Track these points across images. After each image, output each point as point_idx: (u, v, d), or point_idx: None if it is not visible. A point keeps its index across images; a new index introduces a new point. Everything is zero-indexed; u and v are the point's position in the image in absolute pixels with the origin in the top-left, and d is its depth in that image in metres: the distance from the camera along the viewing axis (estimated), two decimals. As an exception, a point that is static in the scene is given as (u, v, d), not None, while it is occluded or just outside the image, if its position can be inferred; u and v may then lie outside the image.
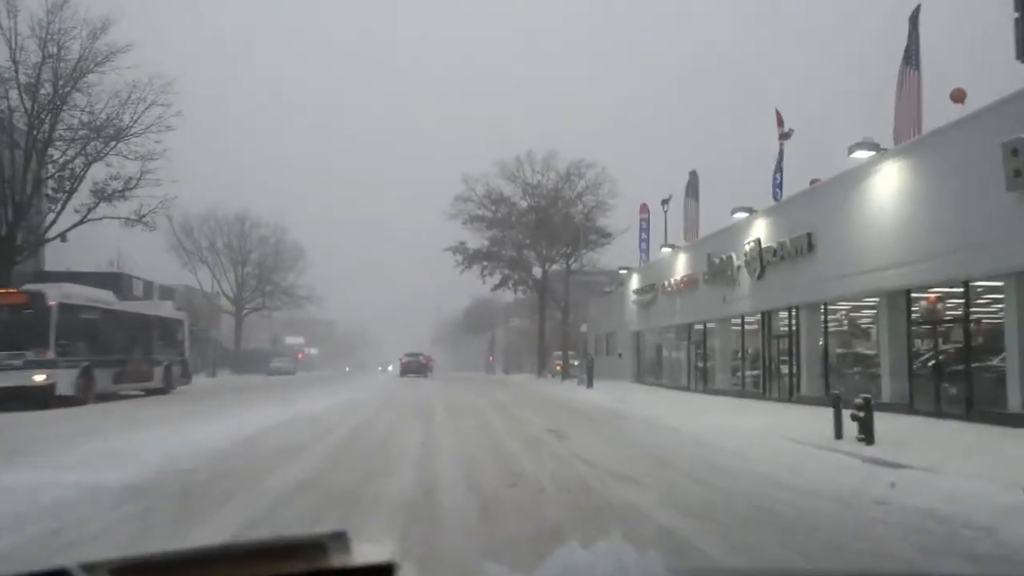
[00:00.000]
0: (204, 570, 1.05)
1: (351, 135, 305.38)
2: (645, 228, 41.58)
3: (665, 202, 39.70)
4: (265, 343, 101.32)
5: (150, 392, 27.29)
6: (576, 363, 57.18)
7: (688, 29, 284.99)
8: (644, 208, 41.78)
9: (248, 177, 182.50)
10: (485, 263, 53.12)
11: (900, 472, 9.82)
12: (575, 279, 52.71)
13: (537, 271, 52.88)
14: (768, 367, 26.03)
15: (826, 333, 22.72)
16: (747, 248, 25.75)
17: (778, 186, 25.38)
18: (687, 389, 33.43)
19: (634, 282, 40.99)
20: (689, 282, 32.02)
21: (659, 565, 1.28)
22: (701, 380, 32.50)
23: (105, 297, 26.27)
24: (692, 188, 34.07)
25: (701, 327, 32.57)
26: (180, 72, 51.12)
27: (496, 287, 54.80)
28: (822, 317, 22.76)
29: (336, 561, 1.06)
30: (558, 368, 55.01)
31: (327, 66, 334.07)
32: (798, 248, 22.52)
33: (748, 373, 28.26)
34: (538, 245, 51.47)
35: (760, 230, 25.23)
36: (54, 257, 41.49)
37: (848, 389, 21.86)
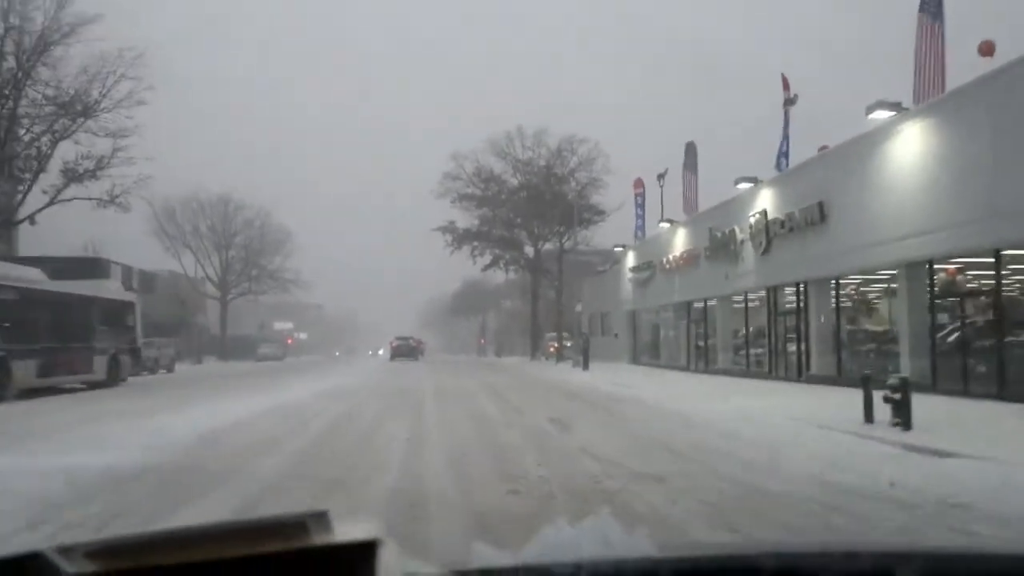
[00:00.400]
0: (183, 551, 1.02)
1: (338, 114, 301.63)
2: (640, 204, 40.23)
3: (661, 176, 38.36)
4: (253, 329, 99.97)
5: (93, 386, 23.92)
6: (570, 344, 56.06)
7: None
8: (639, 183, 40.43)
9: (231, 159, 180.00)
10: (475, 243, 51.71)
11: (954, 463, 8.58)
12: (568, 259, 51.42)
13: (529, 250, 51.50)
14: (774, 345, 24.80)
15: (838, 309, 21.47)
16: (752, 221, 24.45)
17: (784, 155, 24.05)
18: (686, 369, 32.23)
19: (630, 260, 39.69)
20: (689, 258, 30.73)
21: (647, 541, 1.29)
22: (701, 360, 31.29)
23: (30, 275, 23.05)
24: (690, 161, 32.72)
25: (701, 305, 31.32)
26: (156, 47, 49.41)
27: (487, 267, 53.50)
28: (833, 292, 21.49)
29: (318, 540, 1.04)
30: (551, 350, 53.80)
31: (312, 43, 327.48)
32: (808, 219, 21.21)
33: (752, 352, 27.04)
34: (530, 224, 50.10)
35: (766, 201, 23.92)
36: (31, 242, 40.00)
37: (861, 367, 20.67)
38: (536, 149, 49.82)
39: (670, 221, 33.75)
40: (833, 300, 21.53)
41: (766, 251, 23.83)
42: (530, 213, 48.86)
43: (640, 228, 40.06)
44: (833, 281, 21.32)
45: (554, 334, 56.25)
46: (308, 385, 23.79)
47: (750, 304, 27.18)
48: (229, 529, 1.08)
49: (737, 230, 25.90)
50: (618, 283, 42.14)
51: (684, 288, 31.93)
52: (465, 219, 51.47)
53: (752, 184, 25.06)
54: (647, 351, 39.91)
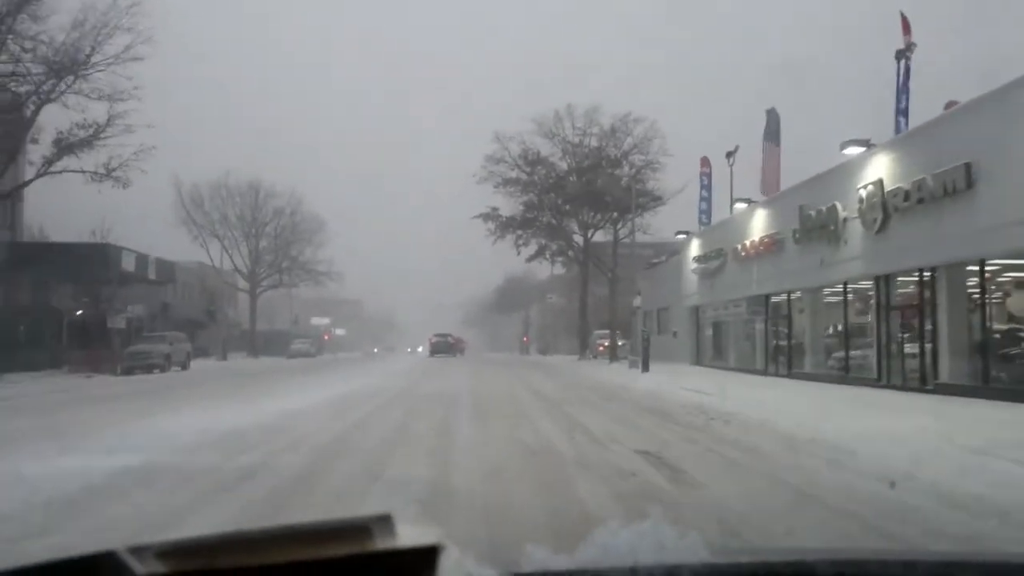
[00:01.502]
0: (251, 553, 1.04)
1: (375, 98, 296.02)
2: (706, 186, 35.84)
3: (731, 154, 33.99)
4: (288, 324, 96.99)
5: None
6: (622, 343, 51.80)
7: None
8: (705, 162, 36.03)
9: (262, 144, 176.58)
10: (520, 232, 47.57)
11: None
12: (619, 252, 47.15)
13: (578, 240, 47.23)
14: (885, 347, 20.34)
15: (984, 301, 16.98)
16: (862, 193, 20.00)
17: (902, 112, 19.60)
18: (764, 373, 27.82)
19: (694, 248, 35.29)
20: (771, 243, 26.29)
21: (700, 545, 1.29)
22: (783, 363, 26.87)
23: None
24: (771, 131, 28.29)
25: (782, 298, 26.89)
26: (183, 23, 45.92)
27: (532, 258, 49.32)
28: (976, 280, 17.01)
29: (381, 544, 1.05)
30: (601, 348, 49.56)
31: (345, 23, 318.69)
32: (947, 187, 16.72)
33: (852, 354, 22.59)
34: (579, 210, 45.79)
35: (882, 168, 19.44)
36: (53, 227, 36.84)
37: (1017, 376, 16.21)
38: (587, 130, 45.55)
39: (747, 200, 29.32)
40: (976, 290, 17.05)
41: (881, 229, 19.36)
42: (580, 199, 44.54)
43: (706, 213, 35.67)
44: (975, 266, 16.84)
45: (604, 332, 52.05)
46: (325, 388, 20.00)
47: (849, 296, 22.76)
48: (295, 532, 1.07)
49: (839, 207, 21.46)
50: (678, 275, 37.74)
51: (763, 279, 27.50)
52: (509, 206, 47.41)
53: (864, 148, 20.57)
54: (712, 351, 35.51)
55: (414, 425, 12.60)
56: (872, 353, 21.18)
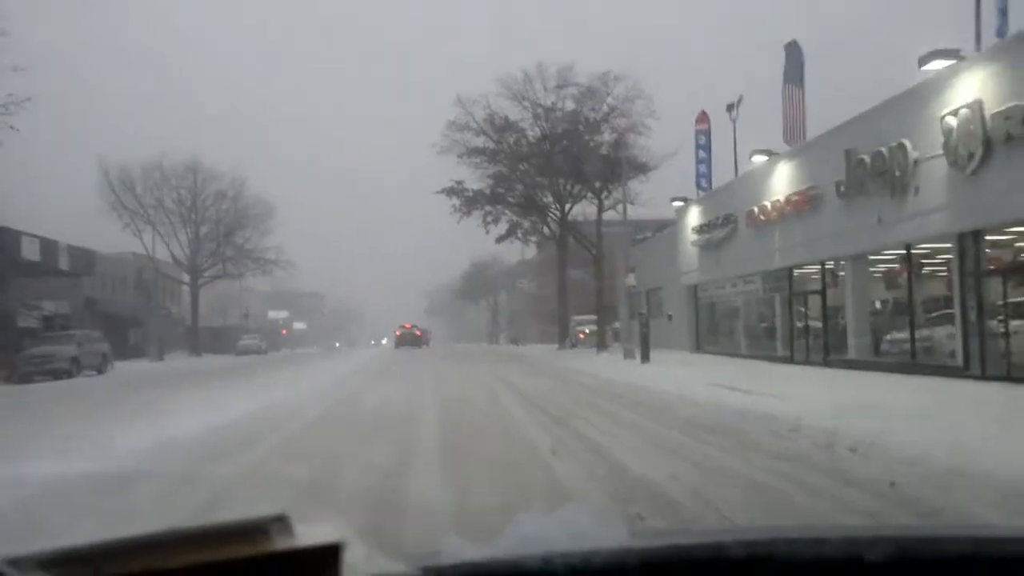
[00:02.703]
0: (139, 558, 0.98)
1: (323, 67, 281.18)
2: (704, 145, 30.96)
3: (733, 107, 29.14)
4: (239, 319, 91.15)
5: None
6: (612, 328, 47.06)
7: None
8: (703, 118, 31.14)
9: (204, 126, 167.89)
10: (488, 208, 42.36)
11: None
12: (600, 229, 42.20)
13: (554, 215, 42.13)
14: (976, 326, 15.56)
15: None
16: (950, 122, 15.11)
17: (1001, 11, 14.73)
18: (788, 360, 23.11)
19: (693, 217, 30.42)
20: (803, 201, 21.41)
21: (621, 528, 1.30)
22: (815, 348, 22.13)
23: None
24: (793, 70, 23.41)
25: (815, 269, 22.13)
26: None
27: (502, 238, 44.05)
28: None
29: (280, 544, 1.01)
30: (582, 336, 44.62)
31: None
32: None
33: (919, 335, 17.82)
34: (555, 183, 40.64)
35: (981, 86, 14.55)
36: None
37: None
38: (561, 91, 40.36)
39: (767, 152, 24.41)
40: None
41: (979, 168, 14.51)
42: (555, 169, 39.38)
43: (705, 176, 30.81)
44: None
45: (584, 318, 47.10)
46: (248, 399, 14.83)
47: (915, 262, 18.00)
48: (186, 535, 1.02)
49: (908, 145, 16.58)
50: (673, 250, 32.89)
51: (789, 247, 22.69)
52: (476, 180, 42.15)
53: (952, 62, 15.63)
54: (716, 336, 30.77)
55: (361, 458, 7.60)
56: (951, 333, 16.40)
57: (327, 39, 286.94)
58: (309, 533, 1.03)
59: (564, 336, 41.97)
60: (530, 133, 40.99)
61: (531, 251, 71.89)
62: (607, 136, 39.36)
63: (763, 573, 1.26)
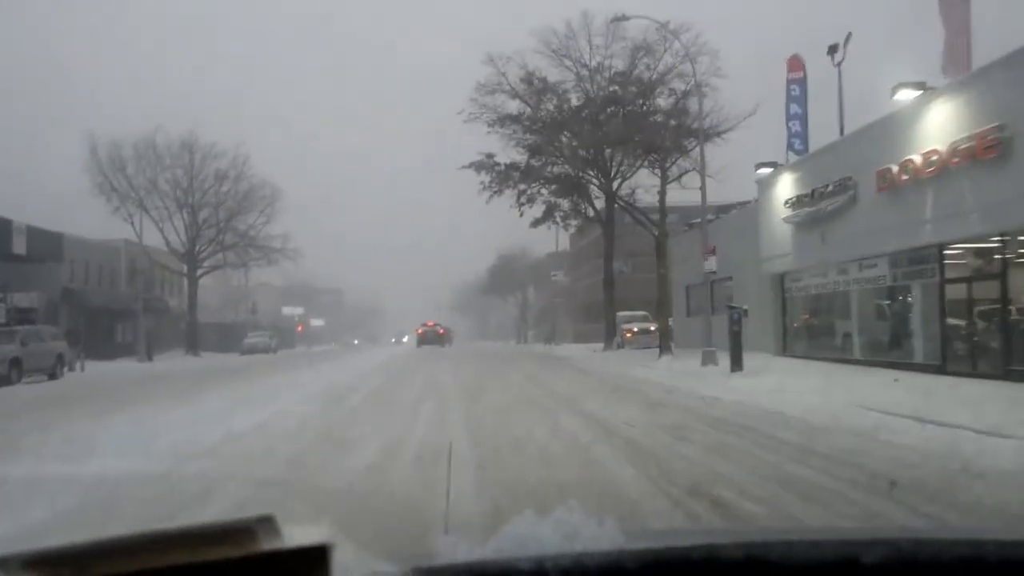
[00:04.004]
0: (126, 559, 0.97)
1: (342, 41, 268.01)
2: (798, 97, 24.82)
3: (835, 49, 23.03)
4: (246, 314, 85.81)
5: None
6: (654, 328, 41.02)
7: None
8: (795, 64, 24.98)
9: (204, 102, 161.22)
10: (522, 186, 36.37)
11: None
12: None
13: (601, 192, 36.02)
14: None
15: None
16: None
17: None
18: (939, 370, 17.01)
19: (783, 188, 24.28)
20: (980, 150, 15.18)
21: (614, 529, 1.29)
22: (984, 354, 16.05)
23: None
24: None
25: (991, 244, 16.02)
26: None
27: (538, 222, 38.06)
28: None
29: (267, 545, 1.00)
30: (628, 335, 38.57)
31: None
32: None
33: None
34: (600, 157, 34.49)
35: None
36: None
37: None
38: (609, 47, 34.32)
39: (921, 86, 18.19)
40: None
41: None
42: (604, 138, 33.19)
43: (799, 137, 24.63)
44: None
45: (631, 314, 41.06)
46: (169, 432, 9.11)
47: None
48: (172, 536, 1.01)
49: None
50: (751, 231, 26.75)
51: (949, 215, 16.50)
52: (509, 154, 36.18)
53: None
54: (813, 336, 24.69)
55: None
56: None
57: (344, 13, 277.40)
58: (297, 534, 1.01)
59: (611, 335, 35.85)
60: (573, 96, 34.97)
61: (564, 241, 66.05)
62: (664, 100, 33.25)
63: (758, 574, 1.24)
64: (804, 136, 24.51)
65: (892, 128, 18.38)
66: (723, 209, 36.61)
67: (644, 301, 45.40)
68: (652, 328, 41.01)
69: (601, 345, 38.85)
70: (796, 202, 23.19)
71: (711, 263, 22.35)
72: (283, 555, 0.99)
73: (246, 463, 7.69)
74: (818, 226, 22.10)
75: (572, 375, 22.10)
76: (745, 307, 26.44)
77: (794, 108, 24.55)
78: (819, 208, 21.70)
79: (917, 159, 17.17)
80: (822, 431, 9.29)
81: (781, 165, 24.78)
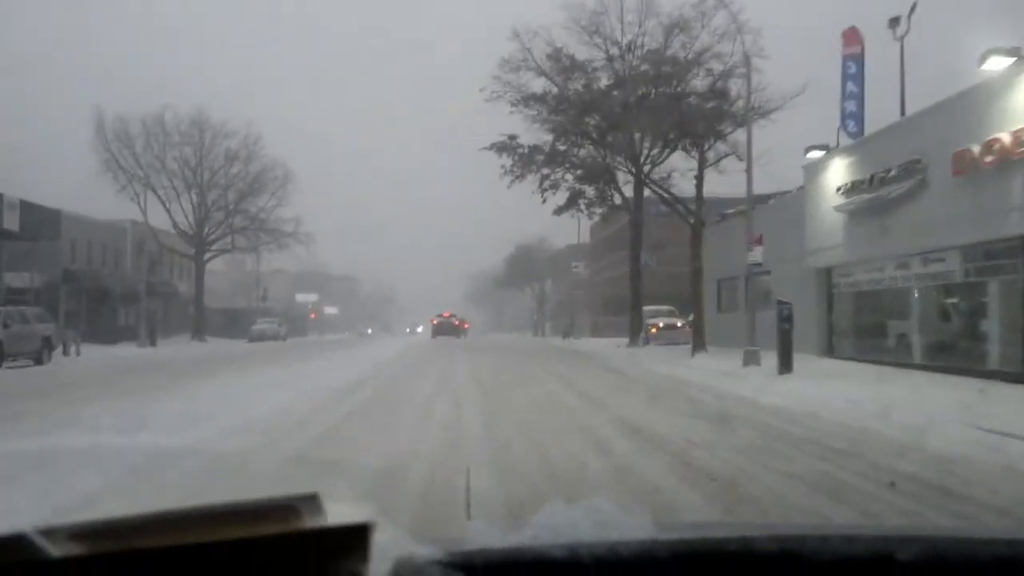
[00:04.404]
0: (171, 533, 0.98)
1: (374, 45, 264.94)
2: (854, 75, 22.66)
3: (897, 22, 20.85)
4: (257, 300, 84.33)
5: None
6: (680, 324, 38.98)
7: None
8: (851, 37, 22.80)
9: (216, 79, 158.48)
10: (546, 170, 34.26)
11: None
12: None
13: (629, 177, 33.85)
14: None
15: None
16: None
17: None
18: (1020, 379, 14.82)
19: (835, 174, 22.11)
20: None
21: (645, 520, 1.29)
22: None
23: None
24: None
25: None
26: None
27: (561, 209, 35.87)
28: None
29: (310, 523, 1.00)
30: (653, 331, 36.47)
31: None
32: None
33: None
34: (630, 141, 32.28)
35: None
36: None
37: None
38: (643, 24, 32.13)
39: (1015, 53, 15.99)
40: None
41: None
42: (632, 122, 30.98)
43: (855, 117, 22.45)
44: None
45: (657, 308, 38.92)
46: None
47: None
48: (219, 512, 1.01)
49: None
50: (796, 221, 24.59)
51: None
52: (532, 137, 34.07)
53: None
54: (862, 337, 22.58)
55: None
56: None
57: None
58: (339, 512, 1.01)
59: (637, 330, 33.76)
60: (603, 76, 32.80)
61: (586, 232, 64.07)
62: (700, 81, 31.00)
63: (791, 569, 1.23)
64: (860, 117, 22.32)
65: (975, 102, 16.18)
66: (758, 200, 34.43)
67: (669, 296, 43.24)
68: (679, 324, 38.94)
69: (624, 340, 36.81)
70: (851, 189, 21.02)
71: (756, 254, 20.25)
72: (325, 532, 0.98)
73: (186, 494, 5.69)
74: (876, 215, 19.94)
75: (603, 374, 20.08)
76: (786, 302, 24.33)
77: (850, 87, 22.34)
78: (879, 195, 19.52)
79: (1006, 138, 14.99)
80: (960, 464, 7.16)
81: (833, 148, 22.57)
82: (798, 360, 19.48)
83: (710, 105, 29.04)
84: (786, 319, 17.81)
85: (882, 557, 1.22)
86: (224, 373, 18.73)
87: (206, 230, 46.90)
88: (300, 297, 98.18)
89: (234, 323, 60.25)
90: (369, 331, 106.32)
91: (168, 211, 45.90)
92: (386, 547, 1.02)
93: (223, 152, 46.27)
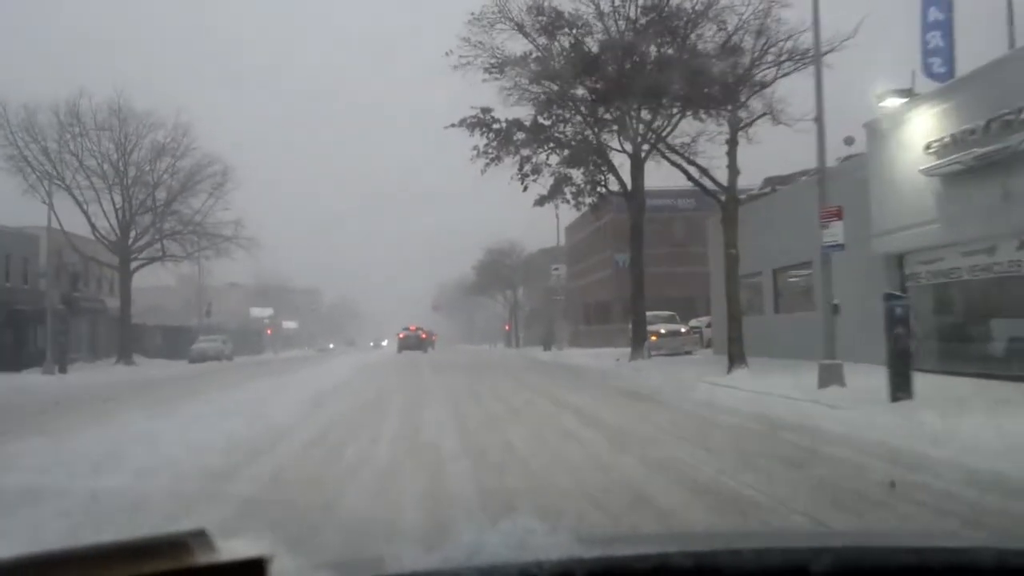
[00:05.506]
0: (59, 574, 0.94)
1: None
2: (942, 3, 17.18)
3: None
4: (224, 317, 77.89)
5: None
6: (684, 330, 33.78)
7: None
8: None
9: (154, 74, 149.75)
10: (526, 151, 28.75)
11: None
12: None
13: (623, 167, 28.40)
14: None
15: None
16: None
17: None
18: None
19: (919, 128, 16.72)
20: None
21: (566, 536, 1.28)
22: None
23: None
24: None
25: None
26: None
27: (544, 199, 30.37)
28: None
29: (202, 558, 0.97)
30: (654, 338, 31.00)
31: None
32: None
33: None
34: (626, 111, 26.72)
35: None
36: None
37: None
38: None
39: None
40: None
41: None
42: (628, 90, 25.35)
43: (942, 54, 17.09)
44: None
45: (658, 314, 33.40)
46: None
47: None
48: (105, 550, 0.96)
49: None
50: (850, 198, 19.14)
51: None
52: (509, 112, 28.58)
53: None
54: (947, 340, 17.26)
55: None
56: None
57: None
58: (232, 548, 0.98)
59: (641, 339, 28.18)
60: (594, 33, 27.31)
61: (561, 234, 58.52)
62: (712, 34, 25.51)
63: None
64: (948, 53, 16.98)
65: None
66: (780, 181, 29.13)
67: (666, 299, 37.94)
68: (683, 330, 33.65)
69: (619, 351, 31.39)
70: (950, 143, 15.61)
71: (834, 230, 14.66)
72: (218, 568, 0.94)
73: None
74: (995, 176, 14.56)
75: (630, 405, 14.44)
76: (836, 301, 18.73)
77: (933, 13, 16.96)
78: (1004, 146, 14.13)
79: None
80: None
81: (917, 95, 17.12)
82: (868, 375, 13.91)
83: (722, 65, 23.56)
84: (900, 321, 12.24)
85: (794, 569, 1.21)
86: (132, 410, 12.87)
87: (132, 236, 40.53)
88: (255, 311, 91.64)
89: (174, 342, 53.97)
90: (331, 346, 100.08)
91: (86, 214, 39.48)
92: None
93: (149, 145, 39.99)
